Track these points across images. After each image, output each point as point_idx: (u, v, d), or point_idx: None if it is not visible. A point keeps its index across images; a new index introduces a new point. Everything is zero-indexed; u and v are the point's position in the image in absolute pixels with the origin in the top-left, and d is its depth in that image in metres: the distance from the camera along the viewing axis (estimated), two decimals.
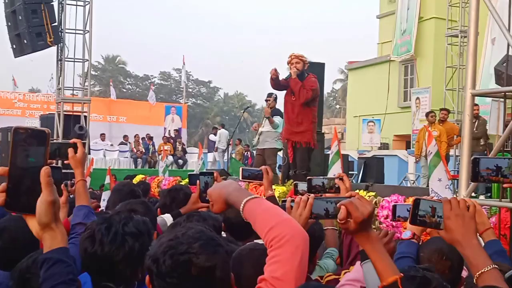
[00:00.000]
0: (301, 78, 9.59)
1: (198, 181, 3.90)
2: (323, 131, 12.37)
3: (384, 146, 25.32)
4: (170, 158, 23.29)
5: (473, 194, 6.03)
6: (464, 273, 3.07)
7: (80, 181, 3.31)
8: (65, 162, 3.32)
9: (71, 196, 4.44)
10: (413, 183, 17.30)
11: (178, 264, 1.83)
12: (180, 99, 56.09)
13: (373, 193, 7.10)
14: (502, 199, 4.98)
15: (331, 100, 65.83)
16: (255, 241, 3.10)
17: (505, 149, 5.10)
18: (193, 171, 15.66)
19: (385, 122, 24.52)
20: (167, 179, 13.09)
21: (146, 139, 25.53)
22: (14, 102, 30.25)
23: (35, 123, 22.85)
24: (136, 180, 12.99)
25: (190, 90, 66.65)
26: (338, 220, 2.05)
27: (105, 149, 24.84)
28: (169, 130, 28.79)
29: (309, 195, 2.72)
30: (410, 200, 4.84)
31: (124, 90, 65.42)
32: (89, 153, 16.95)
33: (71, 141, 3.27)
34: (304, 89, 9.50)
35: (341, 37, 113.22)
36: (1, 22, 16.51)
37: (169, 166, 19.25)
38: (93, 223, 2.61)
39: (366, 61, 30.72)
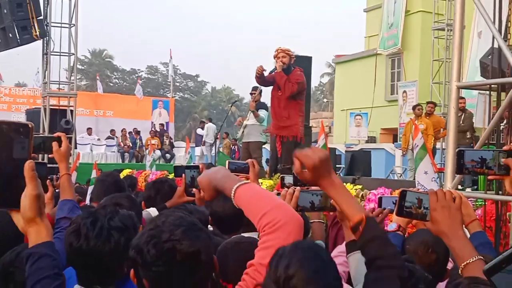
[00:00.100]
0: (287, 72, 9.58)
1: (184, 174, 3.88)
2: (310, 125, 12.39)
3: (371, 139, 25.40)
4: (158, 152, 23.23)
5: (459, 187, 6.06)
6: (450, 265, 3.09)
7: (65, 175, 3.29)
8: (50, 156, 3.30)
9: (56, 190, 4.40)
10: (400, 176, 17.37)
11: (162, 252, 1.83)
12: (168, 93, 55.94)
13: (360, 186, 7.12)
14: (488, 191, 5.01)
15: (318, 93, 65.89)
16: (241, 234, 3.10)
17: (490, 142, 5.11)
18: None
19: (372, 115, 24.58)
20: (154, 173, 13.07)
21: (133, 133, 25.44)
22: (0, 97, 30.08)
23: (21, 118, 22.72)
24: (123, 174, 12.95)
25: (178, 84, 66.46)
26: (294, 172, 2.08)
27: (92, 144, 24.74)
28: (155, 124, 28.71)
29: (295, 188, 2.72)
30: (397, 193, 4.86)
31: (111, 84, 65.15)
32: (76, 148, 16.88)
33: (55, 134, 3.25)
34: (289, 82, 9.49)
35: (328, 30, 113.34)
36: None
37: (156, 161, 19.21)
38: (78, 218, 2.58)
39: (353, 55, 30.76)
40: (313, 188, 3.06)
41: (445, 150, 7.10)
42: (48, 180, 4.26)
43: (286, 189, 2.76)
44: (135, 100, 31.46)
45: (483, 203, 5.35)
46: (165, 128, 27.52)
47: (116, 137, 25.45)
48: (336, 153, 16.37)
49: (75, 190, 9.60)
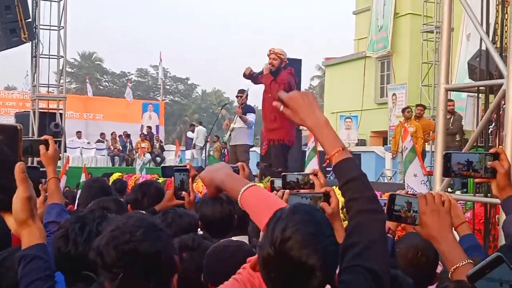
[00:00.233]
0: (275, 74, 9.55)
1: (173, 177, 3.87)
2: (300, 128, 12.39)
3: (362, 142, 25.42)
4: (148, 155, 23.16)
5: (449, 190, 6.08)
6: (439, 268, 3.09)
7: (52, 179, 3.27)
8: (37, 159, 3.28)
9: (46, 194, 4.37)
10: (390, 179, 17.40)
11: (123, 254, 1.82)
12: (158, 96, 55.85)
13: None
14: (477, 194, 5.02)
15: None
16: (231, 238, 3.09)
17: (479, 144, 5.13)
18: None
19: (362, 118, 24.61)
20: (144, 176, 13.03)
21: (123, 136, 25.36)
22: None
23: (11, 121, 22.61)
24: (113, 178, 12.90)
25: (168, 87, 66.38)
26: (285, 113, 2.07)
27: (82, 147, 24.63)
28: (143, 127, 28.60)
29: (284, 191, 2.72)
30: (386, 196, 4.86)
31: (101, 87, 64.95)
32: (65, 151, 16.81)
33: (43, 138, 3.23)
34: (276, 83, 9.45)
35: (318, 33, 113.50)
36: None
37: (146, 164, 19.15)
38: (67, 222, 2.57)
39: (343, 58, 30.78)
40: (303, 191, 3.06)
41: (434, 152, 7.13)
42: (40, 185, 4.23)
43: (275, 192, 2.75)
44: (125, 103, 31.36)
45: (472, 205, 5.37)
46: (153, 131, 27.42)
47: (106, 140, 25.36)
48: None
49: (65, 194, 9.58)
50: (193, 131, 24.33)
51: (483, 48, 5.26)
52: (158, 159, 24.59)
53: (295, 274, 1.67)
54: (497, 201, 4.38)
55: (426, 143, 15.13)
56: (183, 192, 3.83)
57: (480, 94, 5.43)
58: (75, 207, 6.14)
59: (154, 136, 26.13)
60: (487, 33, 5.26)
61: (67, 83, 21.33)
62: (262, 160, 10.46)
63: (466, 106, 15.86)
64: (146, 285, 1.84)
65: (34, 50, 15.83)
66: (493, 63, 5.03)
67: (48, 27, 15.99)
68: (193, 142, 23.41)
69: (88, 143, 25.38)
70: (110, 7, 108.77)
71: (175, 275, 1.98)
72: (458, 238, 2.64)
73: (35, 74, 16.06)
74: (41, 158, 3.20)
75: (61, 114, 16.13)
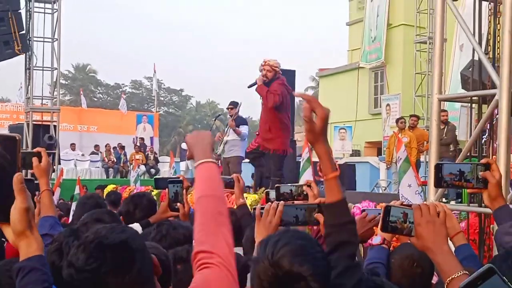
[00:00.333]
0: (267, 85, 9.56)
1: (167, 189, 3.86)
2: (295, 139, 12.41)
3: (356, 153, 25.44)
4: (142, 167, 23.11)
5: (443, 200, 6.08)
6: (435, 279, 3.08)
7: (45, 191, 3.26)
8: (30, 171, 3.27)
9: None
10: (384, 190, 17.41)
11: (91, 251, 1.81)
12: (152, 108, 55.85)
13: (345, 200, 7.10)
14: (471, 204, 5.03)
15: (303, 107, 65.95)
16: None
17: (472, 154, 5.14)
18: None
19: (356, 129, 24.65)
20: (138, 188, 13.01)
21: (117, 148, 25.31)
22: None
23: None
24: (107, 190, 12.88)
25: (162, 98, 66.34)
26: (303, 117, 2.32)
27: (76, 159, 24.57)
28: (137, 138, 28.51)
29: (279, 203, 2.72)
30: (381, 206, 4.86)
31: (95, 99, 64.85)
32: (60, 164, 16.76)
33: (35, 150, 3.22)
34: (270, 93, 9.45)
35: (312, 44, 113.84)
36: None
37: (141, 176, 19.12)
38: (60, 236, 2.56)
39: (337, 68, 30.89)
40: (297, 202, 3.06)
41: (428, 163, 7.14)
42: (35, 197, 4.22)
43: (269, 203, 2.75)
44: (119, 115, 31.33)
45: (467, 215, 5.37)
46: (147, 142, 27.36)
47: (100, 152, 25.31)
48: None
49: (59, 206, 9.55)
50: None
51: (476, 58, 5.28)
52: (153, 170, 24.53)
53: (289, 284, 1.71)
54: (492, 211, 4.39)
55: (421, 154, 15.15)
56: (178, 204, 3.83)
57: (473, 104, 5.45)
58: (69, 222, 6.12)
59: (148, 147, 26.08)
60: (480, 43, 5.29)
61: (61, 95, 21.30)
62: (246, 157, 10.73)
63: (459, 116, 15.90)
64: (121, 280, 1.81)
65: (28, 62, 15.82)
66: (486, 73, 5.05)
67: (42, 39, 15.99)
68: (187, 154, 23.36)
69: (82, 155, 25.33)
70: (104, 19, 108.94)
71: (157, 275, 1.95)
72: (453, 248, 2.64)
73: (29, 86, 16.04)
74: (34, 170, 3.19)
75: (55, 126, 16.10)
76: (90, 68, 69.05)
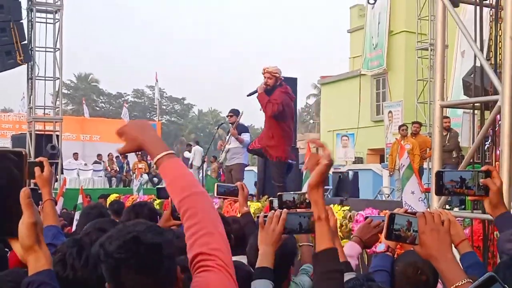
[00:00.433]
0: (269, 93, 9.52)
1: (169, 198, 3.86)
2: (297, 146, 12.41)
3: (359, 160, 25.43)
4: (145, 176, 23.09)
5: (447, 207, 6.06)
6: (439, 287, 3.07)
7: (48, 201, 3.25)
8: (32, 181, 3.26)
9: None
10: (387, 197, 17.36)
11: (125, 241, 1.81)
12: (154, 117, 55.92)
13: (348, 207, 7.10)
14: (474, 211, 5.01)
15: (305, 115, 66.06)
16: (236, 259, 3.07)
17: (475, 161, 5.13)
18: None
19: (359, 136, 24.64)
20: (141, 197, 12.99)
21: (120, 157, 25.31)
22: None
23: (7, 144, 22.60)
24: (110, 199, 12.87)
25: (164, 107, 66.47)
26: (306, 168, 2.36)
27: (79, 169, 24.57)
28: None
29: (282, 211, 2.71)
30: (384, 213, 4.85)
31: (97, 109, 65.01)
32: (62, 173, 16.77)
33: (38, 159, 3.22)
34: (270, 103, 9.44)
35: (314, 51, 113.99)
36: None
37: (144, 185, 19.09)
38: (64, 246, 2.56)
39: (338, 76, 30.92)
40: (300, 210, 3.05)
41: (431, 170, 7.13)
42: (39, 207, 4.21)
43: (273, 211, 2.75)
44: (122, 124, 31.29)
45: (471, 222, 5.35)
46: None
47: (103, 161, 25.31)
48: None
49: (62, 216, 9.53)
50: (189, 151, 24.29)
51: (478, 64, 5.28)
52: (156, 179, 24.51)
53: None
54: None
55: (423, 160, 15.13)
56: None
57: (475, 111, 5.44)
58: (73, 232, 6.11)
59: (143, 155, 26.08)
60: (481, 49, 5.28)
61: (64, 104, 21.35)
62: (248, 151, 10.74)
63: (462, 122, 15.89)
64: (144, 279, 1.81)
65: (30, 72, 15.85)
66: (487, 80, 5.05)
67: (44, 49, 16.03)
68: (190, 162, 23.37)
69: (85, 164, 25.32)
70: (105, 28, 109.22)
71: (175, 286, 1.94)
72: (458, 256, 2.63)
73: (31, 96, 16.06)
74: (36, 180, 3.19)
75: (57, 135, 16.12)
76: (92, 78, 69.27)
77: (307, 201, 3.18)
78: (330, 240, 2.21)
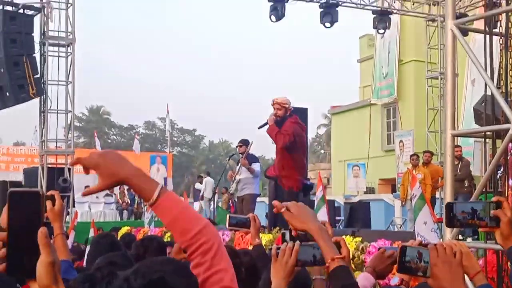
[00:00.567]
0: (279, 125, 9.53)
1: None
2: (308, 177, 12.38)
3: (370, 190, 25.33)
4: None
5: (460, 237, 6.00)
6: None
7: (59, 235, 3.25)
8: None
9: None
10: (400, 227, 17.25)
11: (151, 280, 1.75)
12: (165, 148, 56.09)
13: (360, 239, 7.05)
14: (488, 241, 4.96)
15: (315, 145, 66.06)
16: None
17: (488, 190, 5.10)
18: None
19: (370, 166, 24.58)
20: (153, 230, 12.97)
21: (131, 190, 25.31)
22: None
23: (19, 177, 22.68)
24: (121, 232, 12.86)
25: (175, 139, 66.70)
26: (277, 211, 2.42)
27: (90, 202, 24.58)
28: None
29: (295, 242, 2.69)
30: (397, 244, 4.81)
31: (109, 141, 65.33)
32: (74, 206, 16.78)
33: (49, 193, 3.22)
34: (281, 134, 9.44)
35: (324, 81, 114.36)
36: None
37: (155, 217, 19.07)
38: (75, 282, 2.54)
39: (349, 105, 30.98)
40: (312, 242, 3.03)
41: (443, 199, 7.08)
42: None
43: (285, 243, 2.73)
44: (133, 156, 31.41)
45: (484, 253, 5.30)
46: (161, 183, 27.40)
47: (115, 194, 25.34)
48: (335, 205, 16.30)
49: (72, 250, 9.49)
50: (201, 182, 24.31)
51: (488, 93, 5.28)
52: None
53: None
54: None
55: (436, 190, 15.04)
56: None
57: (487, 139, 5.42)
58: (84, 264, 6.09)
59: None
60: (492, 78, 5.28)
61: (75, 137, 21.44)
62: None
63: (473, 151, 15.83)
64: None
65: (42, 106, 15.96)
66: (499, 108, 5.03)
67: (56, 83, 16.15)
68: (201, 194, 23.36)
69: (97, 197, 25.32)
70: (116, 61, 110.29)
71: None
72: None
73: (43, 129, 16.15)
74: (48, 214, 3.19)
75: (69, 168, 16.16)
76: (104, 110, 69.73)
77: None
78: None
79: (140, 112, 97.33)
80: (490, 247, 5.04)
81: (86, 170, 1.89)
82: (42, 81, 15.62)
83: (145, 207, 20.61)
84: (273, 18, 17.17)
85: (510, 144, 4.77)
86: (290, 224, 2.40)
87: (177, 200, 1.90)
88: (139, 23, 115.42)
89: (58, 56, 16.23)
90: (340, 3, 17.77)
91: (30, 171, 17.23)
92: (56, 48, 16.24)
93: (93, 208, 24.14)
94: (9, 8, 14.97)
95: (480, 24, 6.34)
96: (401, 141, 22.60)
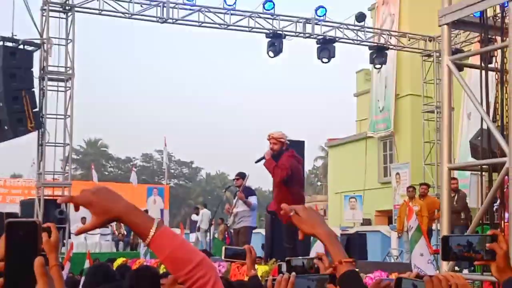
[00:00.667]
0: (276, 159, 9.55)
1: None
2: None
3: (367, 222, 25.29)
4: None
5: (456, 268, 6.00)
6: None
7: (54, 267, 3.25)
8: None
9: None
10: (396, 259, 17.20)
11: None
12: (162, 180, 56.03)
13: (357, 270, 7.03)
14: (484, 273, 4.97)
15: (312, 177, 66.07)
16: None
17: (484, 222, 5.12)
18: None
19: (367, 198, 24.58)
20: (148, 261, 12.90)
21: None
22: None
23: (16, 209, 22.63)
24: (117, 263, 12.78)
25: (172, 171, 66.66)
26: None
27: (86, 233, 24.51)
28: (146, 212, 28.51)
29: (291, 274, 2.70)
30: (393, 275, 4.82)
31: (106, 173, 65.28)
32: (70, 238, 16.72)
33: (45, 225, 3.23)
34: (278, 168, 9.46)
35: (321, 114, 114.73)
36: None
37: None
38: None
39: (345, 138, 31.10)
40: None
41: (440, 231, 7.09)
42: None
43: (281, 274, 2.74)
44: (130, 188, 31.41)
45: (480, 284, 5.30)
46: (157, 215, 27.34)
47: (110, 225, 25.26)
48: None
49: (68, 280, 9.42)
50: (197, 214, 24.28)
51: (484, 127, 5.33)
52: None
53: None
54: None
55: (432, 222, 15.04)
56: None
57: (483, 172, 5.46)
58: None
59: (158, 220, 26.06)
60: (488, 112, 5.34)
61: (73, 169, 21.47)
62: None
63: (470, 183, 15.86)
64: None
65: (40, 139, 15.99)
66: (495, 142, 5.09)
67: (54, 116, 16.20)
68: (198, 225, 23.32)
69: None
70: (114, 95, 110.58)
71: None
72: None
73: (41, 162, 16.16)
74: (44, 245, 3.19)
75: None
76: (102, 143, 69.81)
77: (316, 266, 3.18)
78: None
79: (137, 144, 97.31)
80: (486, 279, 5.05)
81: (77, 208, 1.86)
82: (41, 114, 15.67)
83: None
84: (271, 53, 17.38)
85: (506, 177, 4.81)
86: (298, 227, 2.37)
87: (173, 236, 1.87)
88: (136, 57, 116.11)
89: (57, 91, 16.31)
90: (337, 39, 17.97)
91: (27, 203, 17.17)
92: (55, 83, 16.33)
93: (89, 239, 24.06)
94: (9, 44, 15.12)
95: (476, 59, 6.43)
96: (397, 173, 22.66)
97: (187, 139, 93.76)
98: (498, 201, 5.94)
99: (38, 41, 15.78)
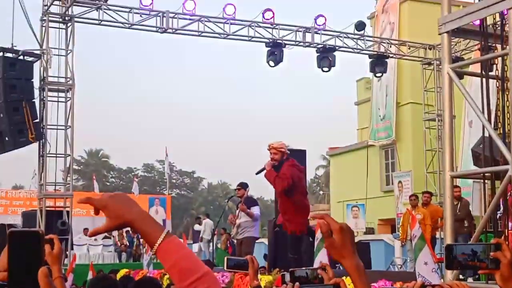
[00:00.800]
0: (277, 169, 9.53)
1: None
2: (308, 218, 12.36)
3: (370, 230, 25.25)
4: None
5: (461, 277, 5.99)
6: None
7: (58, 278, 3.25)
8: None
9: None
10: (400, 267, 17.16)
11: None
12: (164, 191, 56.00)
13: None
14: (489, 281, 4.96)
15: (314, 186, 65.97)
16: None
17: (488, 230, 5.11)
18: None
19: (369, 206, 24.55)
20: (151, 272, 12.88)
21: (130, 232, 25.24)
22: None
23: (17, 220, 22.62)
24: (120, 274, 12.75)
25: (174, 181, 66.64)
26: (322, 232, 2.06)
27: (89, 244, 24.47)
28: None
29: (294, 284, 2.69)
30: (398, 285, 4.81)
31: (108, 184, 65.25)
32: (72, 249, 16.69)
33: (47, 236, 3.23)
34: (279, 178, 9.43)
35: (322, 123, 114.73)
36: None
37: (154, 259, 18.97)
38: None
39: (347, 147, 31.10)
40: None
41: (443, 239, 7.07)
42: None
43: (285, 285, 2.73)
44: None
45: None
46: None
47: (113, 236, 25.22)
48: None
49: None
50: (199, 224, 24.27)
51: (486, 135, 5.33)
52: None
53: None
54: None
55: (436, 230, 15.01)
56: None
57: (486, 180, 5.45)
58: None
59: None
60: (489, 120, 5.34)
61: (74, 180, 21.43)
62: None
63: (472, 191, 15.84)
64: None
65: (41, 150, 15.99)
66: (497, 150, 5.08)
67: (55, 127, 16.20)
68: (200, 235, 23.30)
69: (95, 239, 25.23)
70: (115, 105, 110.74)
71: None
72: None
73: (42, 173, 16.15)
74: (46, 257, 3.19)
75: (68, 211, 16.11)
76: (103, 153, 69.81)
77: (320, 276, 3.17)
78: None
79: (139, 154, 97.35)
80: (491, 287, 5.03)
81: (96, 211, 1.92)
82: (42, 125, 15.67)
83: (144, 249, 20.51)
84: (271, 63, 17.39)
85: (509, 185, 4.80)
86: (325, 248, 2.23)
87: (180, 246, 1.88)
88: (136, 68, 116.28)
89: (58, 101, 16.32)
90: (337, 47, 17.98)
91: (29, 214, 17.16)
92: (55, 94, 16.34)
93: (92, 250, 24.03)
94: (9, 54, 15.14)
95: (476, 67, 6.43)
96: (399, 181, 22.63)
97: (189, 149, 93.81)
98: (502, 209, 5.92)
99: (38, 52, 15.81)
